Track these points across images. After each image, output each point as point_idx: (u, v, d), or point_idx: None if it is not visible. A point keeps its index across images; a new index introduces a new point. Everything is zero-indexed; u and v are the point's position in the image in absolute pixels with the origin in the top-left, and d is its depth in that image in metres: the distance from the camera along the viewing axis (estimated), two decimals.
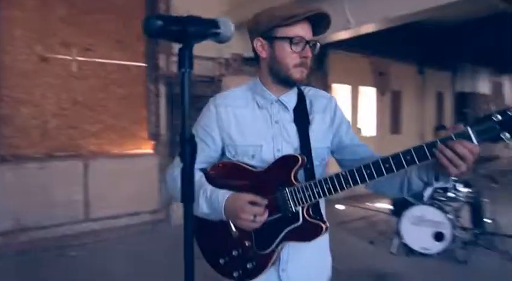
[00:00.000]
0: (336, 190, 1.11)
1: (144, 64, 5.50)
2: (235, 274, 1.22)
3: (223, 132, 1.28)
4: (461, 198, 4.29)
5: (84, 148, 4.93)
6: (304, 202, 1.14)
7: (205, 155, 1.29)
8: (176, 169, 1.31)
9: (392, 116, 8.71)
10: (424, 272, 3.74)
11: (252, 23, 1.28)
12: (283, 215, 1.17)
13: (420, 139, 9.18)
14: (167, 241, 4.87)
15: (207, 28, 0.85)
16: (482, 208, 4.36)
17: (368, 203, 6.95)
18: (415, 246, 4.12)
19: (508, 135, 0.94)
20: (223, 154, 1.30)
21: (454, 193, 4.31)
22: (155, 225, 5.33)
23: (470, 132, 0.97)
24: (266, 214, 1.14)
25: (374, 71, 8.33)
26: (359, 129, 8.15)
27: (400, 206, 4.31)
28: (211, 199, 1.19)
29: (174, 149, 5.51)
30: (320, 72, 7.25)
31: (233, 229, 1.18)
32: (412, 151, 1.02)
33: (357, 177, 1.08)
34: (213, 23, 0.86)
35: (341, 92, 7.77)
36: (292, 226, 1.17)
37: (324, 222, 1.15)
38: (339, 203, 6.82)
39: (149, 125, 5.49)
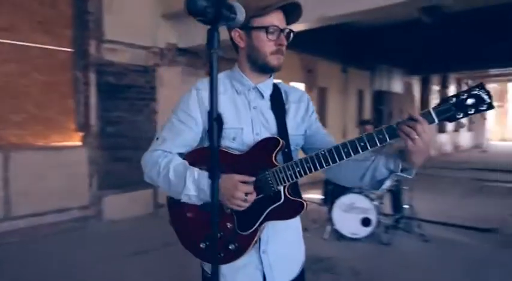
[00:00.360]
0: (316, 168, 1.19)
1: (71, 50, 5.14)
2: (221, 253, 1.25)
3: (205, 115, 1.29)
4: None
5: (3, 139, 4.47)
6: (286, 181, 1.20)
7: (187, 138, 1.30)
8: (157, 151, 1.30)
9: (319, 111, 9.15)
10: (353, 255, 4.05)
11: (230, 13, 1.30)
12: (266, 195, 1.22)
13: (343, 133, 9.83)
14: (98, 238, 4.65)
15: (230, 12, 0.89)
16: (401, 195, 4.82)
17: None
18: (345, 232, 4.45)
19: (461, 114, 1.09)
20: (203, 137, 1.32)
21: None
22: (85, 222, 5.04)
23: (432, 112, 1.10)
24: (255, 193, 1.18)
25: (303, 68, 8.70)
26: None
27: (331, 196, 4.61)
28: (199, 180, 1.20)
29: (105, 140, 5.24)
30: None
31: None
32: (384, 130, 1.13)
33: (335, 155, 1.17)
34: (231, 8, 0.90)
35: None
36: (275, 205, 1.23)
37: (304, 200, 1.23)
38: None
39: (77, 116, 5.15)
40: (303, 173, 1.20)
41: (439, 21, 6.62)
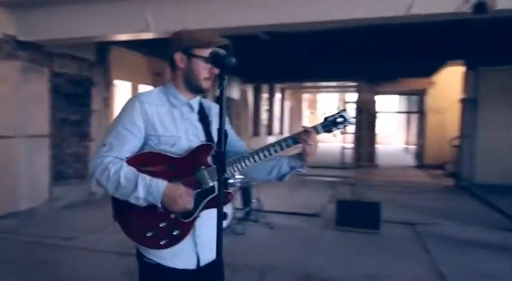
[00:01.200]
0: (242, 167, 1.58)
1: None
2: (162, 242, 1.50)
3: (148, 124, 1.53)
4: (237, 183, 5.34)
5: None
6: (216, 178, 1.55)
7: (132, 144, 1.52)
8: (105, 157, 1.49)
9: None
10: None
11: (175, 39, 1.59)
12: (203, 189, 1.55)
13: None
14: None
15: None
16: (250, 191, 5.55)
17: None
18: None
19: (335, 128, 1.64)
20: (144, 143, 1.55)
21: (233, 179, 5.32)
22: None
23: (318, 127, 1.61)
24: (193, 202, 1.49)
25: (151, 71, 8.78)
26: None
27: None
28: (151, 186, 1.44)
29: None
30: (102, 67, 7.14)
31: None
32: (289, 138, 1.59)
33: (256, 156, 1.57)
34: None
35: (122, 88, 7.87)
36: (210, 197, 1.56)
37: (231, 192, 1.60)
38: None
39: None
40: (232, 171, 1.57)
41: (274, 40, 7.70)
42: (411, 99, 17.83)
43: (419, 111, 14.45)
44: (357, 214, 5.20)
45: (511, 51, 7.45)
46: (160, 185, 1.45)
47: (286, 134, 21.20)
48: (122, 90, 7.95)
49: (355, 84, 14.70)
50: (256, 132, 16.04)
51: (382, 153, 14.74)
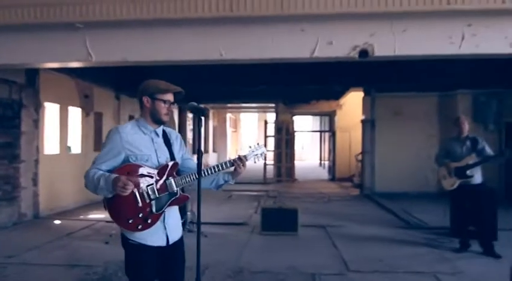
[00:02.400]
0: (195, 179, 2.26)
1: None
2: (139, 227, 2.15)
3: (126, 146, 2.19)
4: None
5: None
6: (180, 185, 2.24)
7: (111, 164, 2.17)
8: (92, 169, 2.12)
9: (95, 136, 9.56)
10: None
11: (144, 87, 2.29)
12: (170, 193, 2.22)
13: None
14: None
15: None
16: (186, 204, 6.13)
17: (82, 216, 7.58)
18: None
19: (257, 157, 2.43)
20: (125, 160, 2.18)
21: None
22: None
23: (247, 155, 2.38)
24: (131, 187, 2.07)
25: (80, 93, 8.96)
26: (69, 147, 8.54)
27: None
28: (108, 178, 2.08)
29: None
30: (32, 90, 7.26)
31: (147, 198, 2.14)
32: (227, 162, 2.33)
33: (206, 172, 2.28)
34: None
35: (52, 110, 7.97)
36: (174, 198, 2.25)
37: (187, 195, 2.29)
38: (56, 220, 7.11)
39: None
40: (189, 182, 2.26)
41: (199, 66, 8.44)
42: (323, 120, 19.70)
43: (330, 130, 16.17)
44: (279, 220, 6.07)
45: (399, 81, 9.13)
46: (111, 176, 2.09)
47: (210, 152, 21.93)
48: (51, 112, 8.03)
49: (274, 105, 16.01)
50: None
51: (299, 168, 16.12)
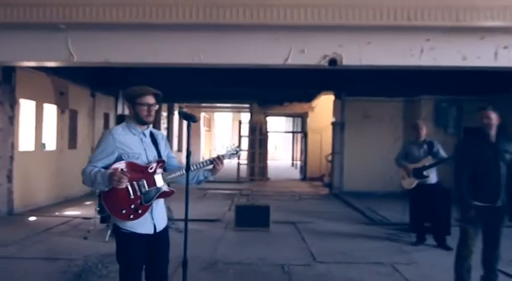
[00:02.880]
0: (181, 175, 2.55)
1: None
2: (130, 216, 2.43)
3: (118, 146, 2.46)
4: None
5: None
6: (166, 181, 2.53)
7: (106, 162, 2.44)
8: (88, 166, 2.37)
9: (70, 133, 9.58)
10: None
11: (126, 94, 2.61)
12: (157, 187, 2.50)
13: (92, 152, 10.53)
14: None
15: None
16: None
17: (57, 213, 7.66)
18: None
19: (233, 155, 2.75)
20: (118, 158, 2.45)
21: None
22: None
23: (225, 154, 2.70)
24: (126, 180, 2.35)
25: (55, 90, 8.98)
26: (43, 144, 8.55)
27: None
28: (104, 173, 2.35)
29: None
30: (8, 86, 7.27)
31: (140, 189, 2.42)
32: (208, 160, 2.63)
33: (191, 168, 2.58)
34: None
35: (27, 107, 7.99)
36: (161, 191, 2.53)
37: (173, 189, 2.58)
38: (31, 216, 7.19)
39: None
40: (174, 177, 2.56)
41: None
42: (296, 121, 20.19)
43: (302, 132, 16.66)
44: (252, 216, 6.40)
45: (367, 87, 9.66)
46: (107, 172, 2.38)
47: (183, 150, 22.02)
48: (26, 109, 8.04)
49: (248, 106, 16.35)
50: None
51: (272, 168, 16.52)
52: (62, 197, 8.97)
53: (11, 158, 7.39)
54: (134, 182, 2.45)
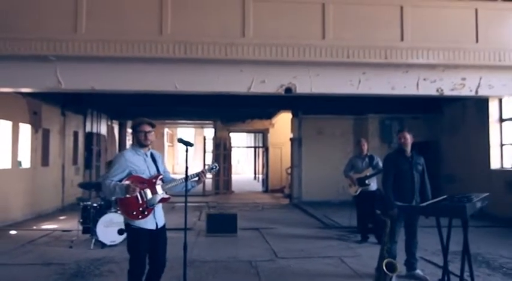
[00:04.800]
0: (175, 185, 3.41)
1: None
2: (139, 216, 3.24)
3: (129, 165, 3.28)
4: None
5: None
6: (164, 189, 3.37)
7: (120, 177, 3.25)
8: (107, 180, 3.17)
9: (43, 151, 10.00)
10: (115, 254, 5.88)
11: (131, 126, 3.41)
12: (158, 194, 3.33)
13: (62, 170, 10.97)
14: None
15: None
16: None
17: (35, 227, 8.10)
18: (106, 241, 6.22)
19: (212, 170, 3.64)
20: (129, 173, 3.26)
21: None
22: None
23: (205, 170, 3.58)
24: (138, 190, 3.20)
25: (30, 110, 9.43)
26: (19, 162, 8.95)
27: (92, 218, 6.27)
28: (122, 186, 3.16)
29: None
30: None
31: (148, 195, 3.23)
32: (195, 173, 3.50)
33: (179, 181, 3.43)
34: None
35: (5, 127, 8.41)
36: (161, 197, 3.36)
37: (169, 196, 3.42)
38: (11, 230, 7.59)
39: None
40: (170, 187, 3.41)
41: None
42: (257, 137, 21.25)
43: (263, 146, 17.70)
44: (221, 223, 7.23)
45: (321, 106, 10.84)
46: (124, 184, 3.21)
47: None
48: (3, 129, 8.45)
49: (211, 122, 17.20)
50: None
51: (236, 181, 17.35)
52: (36, 213, 9.35)
53: None
54: (141, 191, 3.27)
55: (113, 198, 3.24)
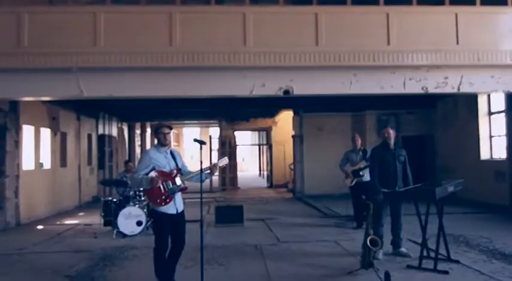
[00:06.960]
0: (193, 177, 4.10)
1: None
2: (162, 203, 3.96)
3: (153, 162, 3.99)
4: (143, 200, 7.53)
5: None
6: (183, 180, 4.06)
7: (145, 171, 3.97)
8: (135, 174, 3.89)
9: (61, 153, 10.75)
10: (136, 243, 6.59)
11: (153, 129, 4.14)
12: (177, 185, 4.03)
13: (79, 171, 11.73)
14: None
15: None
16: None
17: (58, 222, 8.85)
18: (127, 231, 6.94)
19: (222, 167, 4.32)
20: (153, 168, 3.96)
21: (140, 197, 7.50)
22: None
23: (218, 162, 4.26)
24: (160, 181, 3.91)
25: (49, 116, 10.17)
26: (41, 163, 9.70)
27: (114, 216, 6.99)
28: (147, 179, 3.88)
29: None
30: (14, 115, 8.47)
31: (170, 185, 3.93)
32: (207, 167, 4.18)
33: (195, 173, 4.12)
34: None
35: (28, 132, 9.16)
36: (180, 187, 4.07)
37: (186, 186, 4.12)
38: (38, 226, 8.36)
39: None
40: (188, 179, 4.11)
41: None
42: (261, 134, 21.92)
43: (267, 144, 18.38)
44: (229, 215, 7.93)
45: (320, 104, 11.49)
46: (149, 177, 3.90)
47: None
48: (27, 133, 9.20)
49: (216, 122, 17.90)
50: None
51: (241, 178, 18.07)
52: (57, 210, 10.11)
53: (17, 176, 8.54)
54: (164, 183, 3.96)
55: (141, 189, 3.90)
